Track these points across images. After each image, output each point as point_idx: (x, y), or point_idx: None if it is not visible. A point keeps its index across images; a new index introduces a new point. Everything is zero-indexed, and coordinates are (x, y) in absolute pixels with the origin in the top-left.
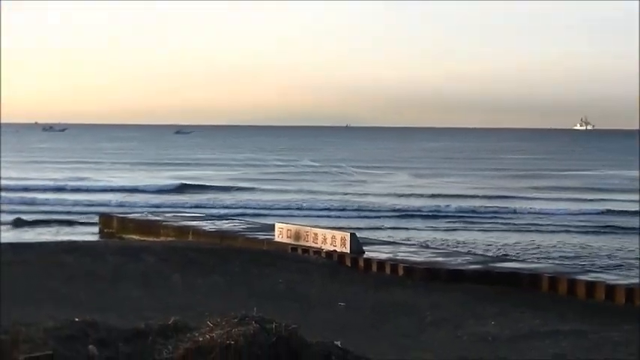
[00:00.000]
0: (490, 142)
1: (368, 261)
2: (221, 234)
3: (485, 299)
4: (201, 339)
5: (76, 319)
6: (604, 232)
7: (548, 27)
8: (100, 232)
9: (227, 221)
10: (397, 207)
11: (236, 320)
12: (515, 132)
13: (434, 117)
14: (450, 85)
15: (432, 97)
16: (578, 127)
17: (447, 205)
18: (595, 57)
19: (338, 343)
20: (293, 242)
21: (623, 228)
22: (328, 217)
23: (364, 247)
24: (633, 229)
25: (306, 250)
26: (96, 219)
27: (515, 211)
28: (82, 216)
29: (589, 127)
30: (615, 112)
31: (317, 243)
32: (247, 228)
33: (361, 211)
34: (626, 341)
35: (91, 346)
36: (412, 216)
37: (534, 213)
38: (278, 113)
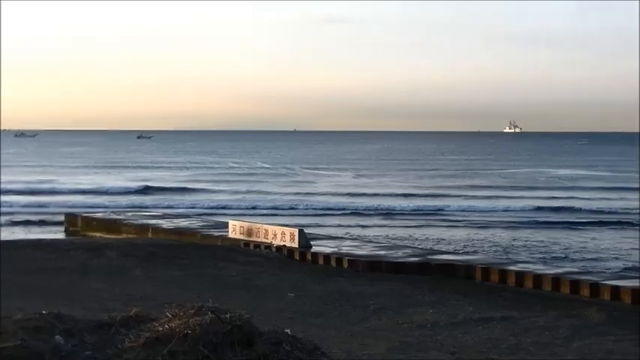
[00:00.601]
0: (425, 144)
1: (315, 255)
2: (178, 231)
3: (424, 289)
4: (160, 329)
5: (44, 312)
6: (532, 227)
7: (477, 35)
8: (66, 230)
9: (184, 219)
10: (342, 205)
11: (193, 311)
12: (448, 135)
13: (373, 121)
14: (387, 91)
15: (371, 102)
16: (507, 129)
17: (389, 204)
18: (523, 64)
19: (288, 330)
20: (245, 238)
21: (549, 223)
22: (278, 215)
23: (311, 242)
24: (559, 223)
25: (257, 245)
26: (62, 219)
27: (449, 208)
28: (49, 216)
29: (517, 130)
30: (542, 115)
31: (268, 238)
32: (203, 225)
33: (309, 209)
34: (552, 326)
35: (57, 337)
36: (356, 213)
37: (468, 210)
38: (232, 119)
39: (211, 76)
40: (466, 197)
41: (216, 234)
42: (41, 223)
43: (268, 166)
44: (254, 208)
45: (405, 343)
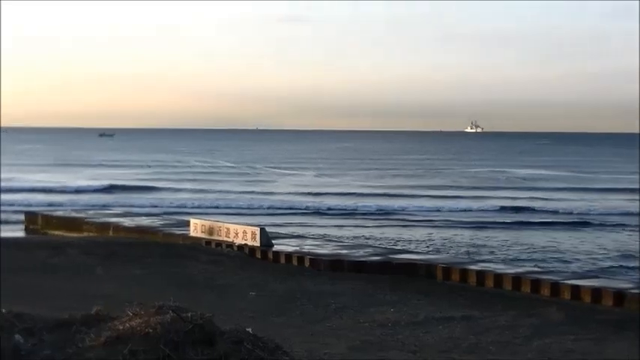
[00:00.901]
0: (387, 143)
1: (277, 253)
2: (140, 229)
3: (385, 288)
4: (121, 328)
5: (3, 311)
6: (493, 227)
7: (439, 34)
8: (26, 229)
9: (146, 218)
10: (304, 204)
11: (154, 309)
12: (410, 134)
13: (336, 121)
14: (350, 91)
15: (334, 101)
16: (468, 129)
17: (350, 203)
18: (485, 63)
19: (249, 329)
20: (207, 237)
21: (510, 223)
22: (240, 214)
23: (273, 241)
24: (520, 223)
25: (219, 243)
26: (22, 217)
27: (411, 208)
28: (8, 214)
29: (478, 130)
30: (504, 115)
31: (229, 237)
32: (164, 224)
33: (271, 209)
34: (512, 325)
35: (17, 336)
36: (318, 213)
37: (429, 210)
38: (195, 118)
39: (173, 75)
40: (428, 197)
41: (177, 232)
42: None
43: (231, 164)
44: (216, 207)
45: (366, 342)
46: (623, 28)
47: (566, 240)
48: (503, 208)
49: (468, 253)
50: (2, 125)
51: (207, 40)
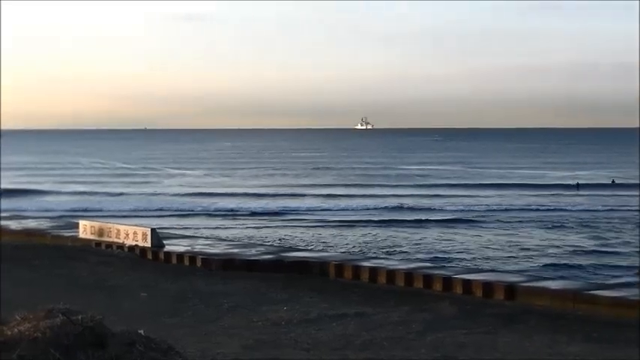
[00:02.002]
0: (278, 141)
1: (168, 254)
2: (28, 232)
3: (278, 286)
4: (9, 332)
5: None
6: (385, 224)
7: (329, 33)
8: None
9: (34, 220)
10: (195, 204)
11: (43, 313)
12: (301, 132)
13: (227, 119)
14: (240, 90)
15: (225, 100)
16: (359, 126)
17: (241, 203)
18: (375, 61)
19: (141, 331)
20: (97, 238)
21: (401, 221)
22: (132, 215)
23: (164, 241)
24: (411, 221)
25: (109, 245)
26: None
27: (301, 208)
28: None
29: (369, 127)
30: (394, 112)
31: (120, 238)
32: (53, 226)
33: (162, 210)
34: (405, 321)
35: None
36: (209, 213)
37: (319, 209)
38: (86, 118)
39: (65, 76)
40: (319, 196)
41: (67, 234)
42: None
43: (121, 165)
44: (108, 210)
45: (259, 340)
46: (512, 27)
47: (457, 236)
48: (393, 207)
49: (360, 249)
50: None
51: (99, 41)
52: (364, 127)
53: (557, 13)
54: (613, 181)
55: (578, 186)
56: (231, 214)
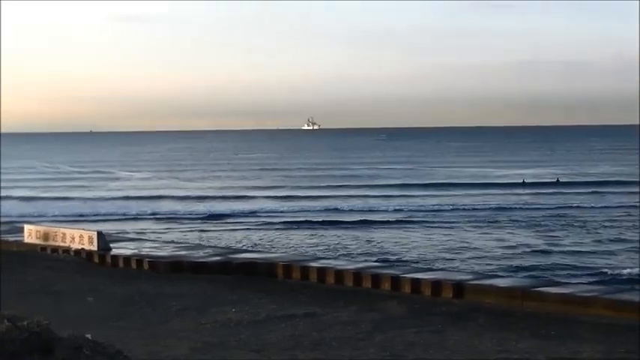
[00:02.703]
0: (222, 143)
1: (115, 257)
2: None
3: (227, 288)
4: None
5: None
6: (331, 226)
7: (276, 34)
8: None
9: None
10: (144, 207)
11: None
12: (247, 133)
13: (171, 121)
14: (184, 92)
15: (168, 102)
16: (305, 127)
17: (188, 206)
18: (322, 62)
19: (89, 335)
20: (42, 242)
21: (349, 222)
22: (79, 220)
23: (111, 245)
24: (359, 222)
25: (55, 249)
26: None
27: (246, 210)
28: None
29: (315, 127)
30: (340, 112)
31: (66, 242)
32: None
33: (107, 214)
34: (354, 321)
35: None
36: (156, 217)
37: (264, 212)
38: (30, 121)
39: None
40: (264, 197)
41: (11, 239)
42: None
43: (70, 168)
44: (54, 214)
45: (208, 343)
46: (458, 26)
47: (406, 236)
48: (340, 208)
49: (307, 250)
50: None
51: (48, 41)
52: (311, 128)
53: (503, 11)
54: (558, 180)
55: (524, 184)
56: (178, 216)
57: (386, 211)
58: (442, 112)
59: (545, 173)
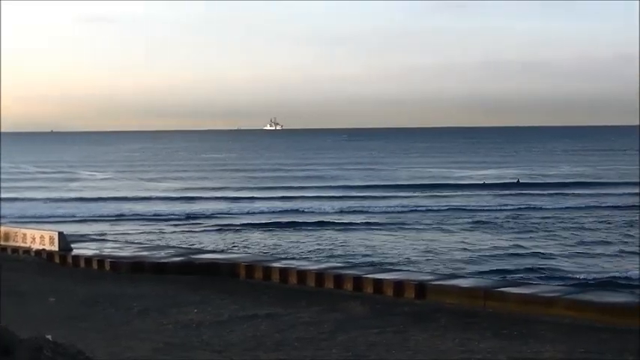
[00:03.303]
0: (190, 142)
1: (76, 257)
2: None
3: (188, 289)
4: None
5: None
6: (296, 227)
7: (238, 34)
8: None
9: None
10: (106, 208)
11: None
12: (211, 133)
13: (135, 121)
14: (149, 91)
15: (133, 102)
16: (268, 127)
17: (150, 206)
18: (285, 62)
19: (49, 336)
20: (3, 243)
21: (307, 223)
22: (40, 221)
23: (72, 245)
24: (316, 223)
25: (15, 249)
26: None
27: (208, 211)
28: None
29: (278, 127)
30: (302, 113)
31: (26, 243)
32: None
33: (69, 215)
34: (316, 321)
35: None
36: (118, 217)
37: (232, 212)
38: None
39: None
40: (226, 198)
41: None
42: None
43: (33, 168)
44: (13, 215)
45: (170, 343)
46: (419, 27)
47: (370, 236)
48: (302, 209)
49: (269, 251)
50: None
51: (9, 41)
52: (273, 128)
53: (463, 12)
54: (518, 181)
55: (485, 185)
56: (140, 217)
57: (349, 211)
58: (404, 113)
59: (506, 174)
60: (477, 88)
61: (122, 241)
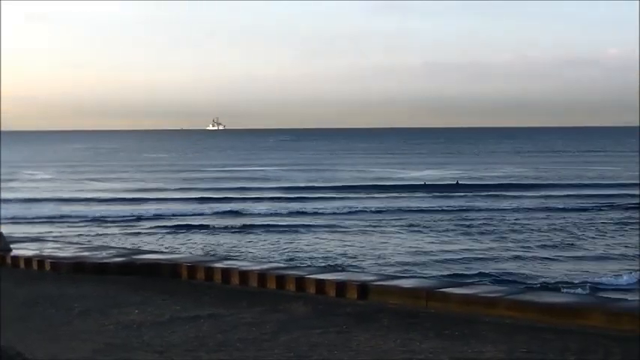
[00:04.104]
0: (131, 142)
1: (15, 258)
2: None
3: (130, 289)
4: None
5: None
6: (235, 228)
7: (182, 33)
8: None
9: None
10: (45, 209)
11: None
12: (154, 133)
13: (79, 121)
14: (92, 90)
15: (75, 102)
16: (210, 127)
17: (90, 207)
18: (227, 62)
19: None
20: None
21: (252, 226)
22: None
23: (12, 245)
24: (259, 225)
25: None
26: None
27: (149, 213)
28: None
29: (220, 127)
30: (244, 113)
31: None
32: None
33: (10, 216)
34: (259, 322)
35: None
36: (59, 219)
37: (173, 214)
38: None
39: None
40: (169, 199)
41: None
42: None
43: None
44: None
45: (111, 344)
46: (364, 28)
47: (312, 238)
48: (242, 211)
49: (212, 251)
50: None
51: None
52: (216, 128)
53: (405, 12)
54: (457, 182)
55: (425, 186)
56: (82, 217)
57: (291, 212)
58: (348, 114)
59: (447, 175)
60: (419, 90)
61: (63, 241)
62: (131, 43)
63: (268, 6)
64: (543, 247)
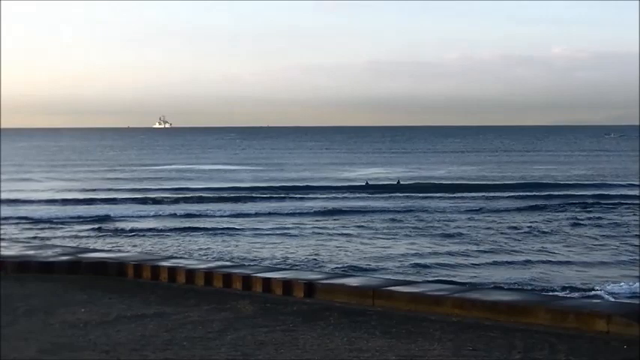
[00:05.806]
0: (76, 141)
1: None
2: None
3: (76, 288)
4: None
5: None
6: (182, 228)
7: (131, 34)
8: None
9: None
10: None
11: None
12: (99, 131)
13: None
14: (36, 87)
15: (20, 99)
16: (157, 125)
17: (33, 208)
18: (175, 62)
19: None
20: None
21: (200, 226)
22: None
23: None
24: (209, 227)
25: None
26: None
27: (97, 212)
28: None
29: (167, 125)
30: (191, 110)
31: None
32: None
33: None
34: (205, 320)
35: None
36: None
37: (118, 213)
38: None
39: None
40: (110, 200)
41: None
42: None
43: None
44: None
45: (57, 344)
46: (308, 26)
47: (257, 238)
48: (189, 212)
49: (158, 250)
50: None
51: None
52: (162, 126)
53: (349, 11)
54: (398, 182)
55: (367, 185)
56: (25, 217)
57: (237, 212)
58: (294, 113)
59: (389, 175)
60: (365, 88)
61: (8, 240)
62: (77, 39)
63: (213, 5)
64: (486, 245)
